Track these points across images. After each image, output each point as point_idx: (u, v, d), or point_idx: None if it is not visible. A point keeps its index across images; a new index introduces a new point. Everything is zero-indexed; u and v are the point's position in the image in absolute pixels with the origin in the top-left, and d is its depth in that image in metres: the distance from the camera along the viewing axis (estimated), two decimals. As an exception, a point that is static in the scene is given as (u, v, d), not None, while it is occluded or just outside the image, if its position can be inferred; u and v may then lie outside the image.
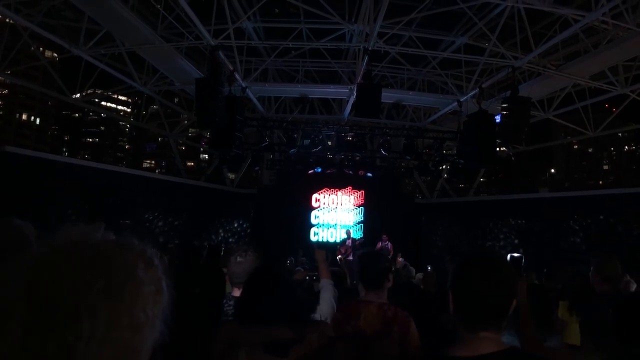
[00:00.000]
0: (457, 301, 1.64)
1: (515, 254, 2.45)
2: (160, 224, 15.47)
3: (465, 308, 1.62)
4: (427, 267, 12.41)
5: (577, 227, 14.41)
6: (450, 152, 17.00)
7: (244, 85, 12.79)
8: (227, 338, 2.08)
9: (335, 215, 18.36)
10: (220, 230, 17.76)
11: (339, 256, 14.57)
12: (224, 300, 3.13)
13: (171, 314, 0.90)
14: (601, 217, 13.93)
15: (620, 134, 79.80)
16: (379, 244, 14.95)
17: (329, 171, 17.31)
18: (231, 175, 19.39)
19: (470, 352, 1.55)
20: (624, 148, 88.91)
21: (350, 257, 14.45)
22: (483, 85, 12.22)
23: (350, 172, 17.43)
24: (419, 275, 8.47)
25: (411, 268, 11.22)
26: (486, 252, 1.72)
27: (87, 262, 0.78)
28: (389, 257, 13.32)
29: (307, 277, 7.42)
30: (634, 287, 7.16)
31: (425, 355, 2.59)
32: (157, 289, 0.87)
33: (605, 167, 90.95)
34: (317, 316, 3.25)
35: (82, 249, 0.80)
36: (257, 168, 18.23)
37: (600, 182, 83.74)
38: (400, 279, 8.13)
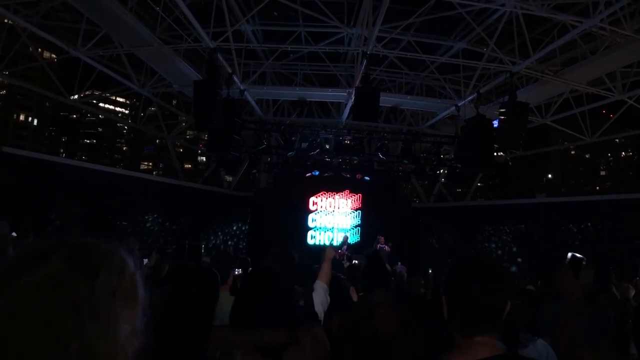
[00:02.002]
0: (452, 305, 1.62)
1: (577, 255, 2.32)
2: (156, 226, 15.43)
3: (459, 312, 1.59)
4: (428, 271, 12.33)
5: (573, 232, 14.44)
6: (447, 156, 17.01)
7: (242, 87, 12.79)
8: (221, 342, 2.07)
9: (333, 218, 18.33)
10: (218, 233, 17.72)
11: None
12: None
13: (162, 316, 0.89)
14: (597, 222, 13.96)
15: (617, 140, 80.00)
16: (376, 247, 14.93)
17: (326, 174, 17.30)
18: (229, 178, 19.37)
19: (466, 358, 1.52)
20: (621, 154, 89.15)
21: (344, 262, 14.43)
22: (481, 90, 12.24)
23: (348, 175, 17.42)
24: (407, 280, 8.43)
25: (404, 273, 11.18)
26: (479, 254, 1.67)
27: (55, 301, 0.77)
28: (387, 259, 13.31)
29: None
30: (632, 293, 7.15)
31: None
32: (133, 300, 0.87)
33: (602, 173, 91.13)
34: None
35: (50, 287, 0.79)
36: (254, 171, 18.23)
37: (597, 187, 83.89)
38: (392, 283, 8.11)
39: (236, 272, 3.46)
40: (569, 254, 2.33)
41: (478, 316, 1.55)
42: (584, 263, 2.28)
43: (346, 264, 13.74)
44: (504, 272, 1.61)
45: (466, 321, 1.57)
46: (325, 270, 3.45)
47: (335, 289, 4.90)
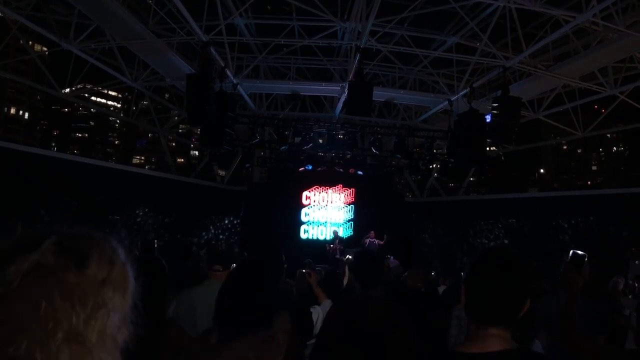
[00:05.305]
0: (469, 296, 1.64)
1: (579, 252, 2.30)
2: (149, 220, 15.38)
3: (476, 303, 1.61)
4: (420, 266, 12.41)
5: (565, 227, 14.54)
6: (440, 151, 17.08)
7: (235, 81, 12.75)
8: (172, 344, 2.05)
9: (326, 213, 18.35)
10: (211, 227, 17.69)
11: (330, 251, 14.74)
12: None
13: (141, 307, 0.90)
14: (589, 216, 14.06)
15: (608, 135, 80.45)
16: (367, 241, 14.99)
17: (319, 169, 17.31)
18: (221, 172, 19.33)
19: (478, 349, 1.54)
20: (613, 149, 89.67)
21: (338, 256, 14.51)
22: (474, 85, 12.26)
23: (341, 170, 17.44)
24: (406, 273, 8.49)
25: (399, 267, 11.24)
26: (502, 249, 1.67)
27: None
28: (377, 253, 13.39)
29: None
30: (621, 286, 7.25)
31: (431, 351, 2.59)
32: (123, 290, 0.88)
33: (594, 168, 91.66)
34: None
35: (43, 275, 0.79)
36: (247, 165, 18.19)
37: (589, 182, 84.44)
38: (390, 277, 8.15)
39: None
40: (571, 251, 2.33)
41: (493, 309, 1.57)
42: (586, 260, 2.27)
43: (344, 258, 13.82)
44: (525, 269, 1.61)
45: (481, 312, 1.59)
46: (319, 293, 3.92)
47: (333, 286, 4.92)
